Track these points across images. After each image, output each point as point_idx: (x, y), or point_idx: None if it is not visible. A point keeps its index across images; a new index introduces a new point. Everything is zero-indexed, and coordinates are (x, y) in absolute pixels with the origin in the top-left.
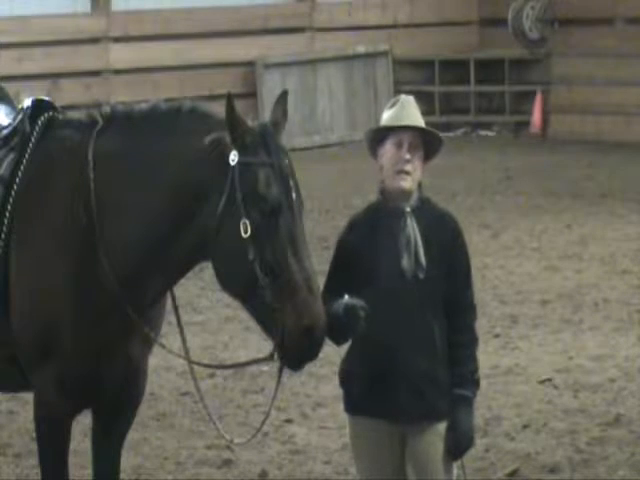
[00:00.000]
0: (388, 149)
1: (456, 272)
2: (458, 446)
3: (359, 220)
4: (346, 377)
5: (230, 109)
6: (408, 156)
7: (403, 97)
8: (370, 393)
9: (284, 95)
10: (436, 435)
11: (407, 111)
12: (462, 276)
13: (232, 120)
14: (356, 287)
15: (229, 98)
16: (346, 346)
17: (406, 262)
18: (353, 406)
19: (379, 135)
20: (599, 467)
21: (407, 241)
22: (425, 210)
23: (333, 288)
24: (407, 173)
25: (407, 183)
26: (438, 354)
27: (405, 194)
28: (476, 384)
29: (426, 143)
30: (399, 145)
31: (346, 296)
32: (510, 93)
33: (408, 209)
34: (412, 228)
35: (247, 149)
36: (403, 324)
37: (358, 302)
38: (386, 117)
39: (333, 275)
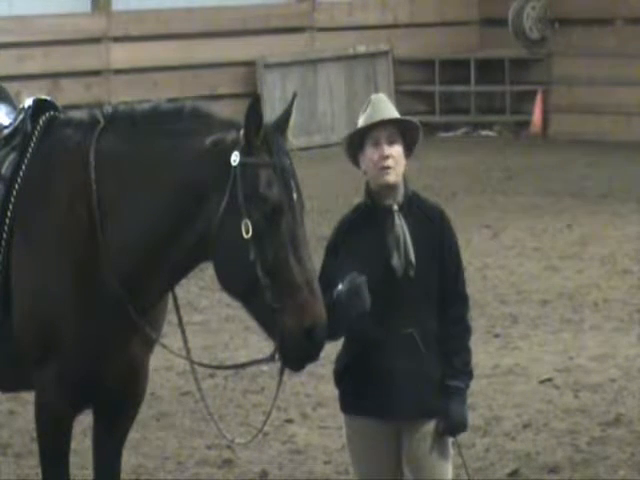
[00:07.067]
0: (368, 152)
1: (447, 265)
2: (450, 431)
3: (347, 221)
4: (340, 376)
5: (257, 110)
6: (387, 151)
7: (373, 97)
8: (363, 392)
9: (293, 98)
10: (430, 431)
11: (378, 109)
12: (453, 268)
13: (255, 123)
14: None
15: (256, 100)
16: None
17: (396, 261)
18: (348, 405)
19: (356, 141)
20: (599, 467)
21: (396, 240)
22: (412, 206)
23: (323, 289)
24: (389, 168)
25: (391, 177)
26: (430, 351)
27: (391, 189)
28: (469, 375)
29: (405, 134)
30: (377, 144)
31: (340, 286)
32: (510, 93)
33: (395, 207)
34: (400, 227)
35: (249, 150)
36: (394, 322)
37: (354, 281)
38: (360, 121)
39: (323, 276)
